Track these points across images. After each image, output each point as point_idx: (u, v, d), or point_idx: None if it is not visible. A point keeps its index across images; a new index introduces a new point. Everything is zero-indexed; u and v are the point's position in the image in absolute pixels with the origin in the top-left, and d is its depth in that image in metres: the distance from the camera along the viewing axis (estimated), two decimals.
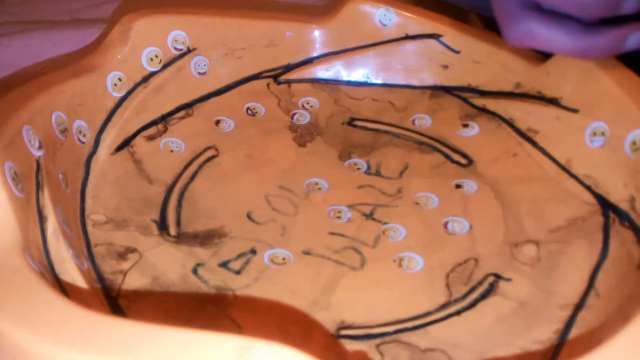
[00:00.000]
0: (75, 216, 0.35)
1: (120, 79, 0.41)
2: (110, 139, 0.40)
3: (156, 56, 0.43)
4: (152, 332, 0.21)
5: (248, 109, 0.45)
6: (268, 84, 0.47)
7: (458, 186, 0.39)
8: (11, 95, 0.34)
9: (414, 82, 0.47)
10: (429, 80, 0.47)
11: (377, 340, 0.30)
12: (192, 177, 0.39)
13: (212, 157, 0.41)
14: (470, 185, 0.39)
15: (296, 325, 0.31)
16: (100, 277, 0.32)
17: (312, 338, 0.30)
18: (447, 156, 0.42)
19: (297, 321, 0.31)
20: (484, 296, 0.32)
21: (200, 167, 0.40)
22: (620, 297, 0.30)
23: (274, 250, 0.35)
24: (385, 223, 0.37)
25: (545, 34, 0.35)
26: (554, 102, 0.40)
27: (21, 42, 0.53)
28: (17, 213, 0.27)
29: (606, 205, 0.36)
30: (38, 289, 0.23)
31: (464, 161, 0.41)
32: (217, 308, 0.31)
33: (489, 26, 0.48)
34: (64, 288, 0.29)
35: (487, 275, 0.33)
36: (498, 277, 0.33)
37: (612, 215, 0.35)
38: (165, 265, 0.33)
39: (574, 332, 0.30)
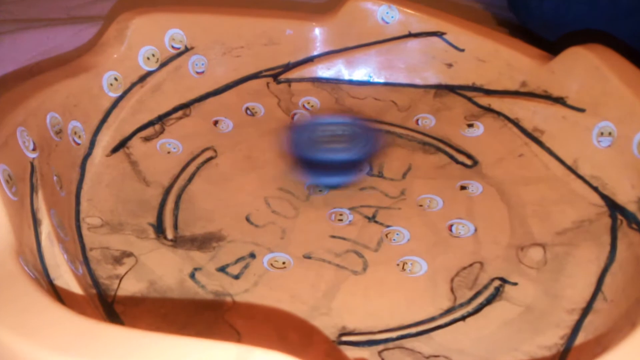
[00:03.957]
0: (70, 219, 0.34)
1: (116, 79, 0.40)
2: (106, 140, 0.39)
3: (153, 55, 0.42)
4: (147, 339, 0.21)
5: (247, 108, 0.44)
6: (268, 84, 0.46)
7: (463, 187, 0.39)
8: (5, 96, 0.33)
9: (417, 81, 0.46)
10: (432, 79, 0.46)
11: (380, 347, 0.29)
12: (190, 179, 0.39)
13: (210, 158, 0.40)
14: (475, 187, 0.39)
15: (296, 331, 0.30)
16: (95, 282, 0.31)
17: (313, 345, 0.29)
18: (451, 157, 0.41)
19: (297, 327, 0.30)
20: (489, 301, 0.32)
21: (198, 168, 0.40)
22: (628, 301, 0.29)
23: (274, 254, 0.34)
24: (388, 226, 0.36)
25: None
26: (560, 101, 0.40)
27: (18, 41, 0.53)
28: (11, 216, 0.26)
29: (613, 207, 0.35)
30: (32, 294, 0.23)
31: (468, 162, 0.41)
32: (215, 314, 0.30)
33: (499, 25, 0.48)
34: (58, 293, 0.28)
35: (493, 279, 0.33)
36: (504, 281, 0.33)
37: (619, 217, 0.35)
38: (161, 269, 0.33)
39: (581, 337, 0.29)
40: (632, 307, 0.28)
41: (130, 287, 0.31)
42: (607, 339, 0.28)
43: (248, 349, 0.20)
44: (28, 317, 0.21)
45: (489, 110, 0.43)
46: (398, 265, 0.34)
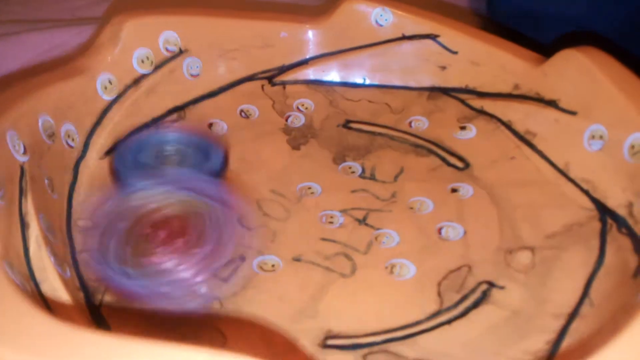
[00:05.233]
0: (61, 222, 0.34)
1: (110, 82, 0.40)
2: (100, 142, 0.40)
3: (147, 58, 0.42)
4: (116, 346, 0.21)
5: (241, 111, 0.45)
6: (262, 86, 0.46)
7: (454, 190, 0.39)
8: None
9: (411, 83, 0.46)
10: (426, 82, 0.46)
11: (364, 350, 0.29)
12: None
13: None
14: (466, 189, 0.39)
15: (281, 335, 0.30)
16: (83, 285, 0.31)
17: (297, 349, 0.29)
18: (443, 159, 0.41)
19: (283, 331, 0.30)
20: (476, 305, 0.32)
21: None
22: (613, 307, 0.29)
23: (264, 256, 0.34)
24: (378, 228, 0.36)
25: None
26: (552, 104, 0.39)
27: (23, 41, 0.53)
28: None
29: (604, 211, 0.35)
30: (15, 301, 0.23)
31: (460, 164, 0.40)
32: (202, 317, 0.31)
33: (486, 26, 0.47)
34: (44, 298, 0.28)
35: (480, 283, 0.33)
36: (491, 284, 0.33)
37: (609, 221, 0.35)
38: None
39: (566, 343, 0.29)
40: (618, 313, 0.28)
41: None
42: (591, 345, 0.28)
43: (217, 355, 0.21)
44: (10, 325, 0.22)
45: (481, 112, 0.43)
46: (386, 268, 0.34)
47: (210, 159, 0.37)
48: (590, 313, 0.30)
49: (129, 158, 0.37)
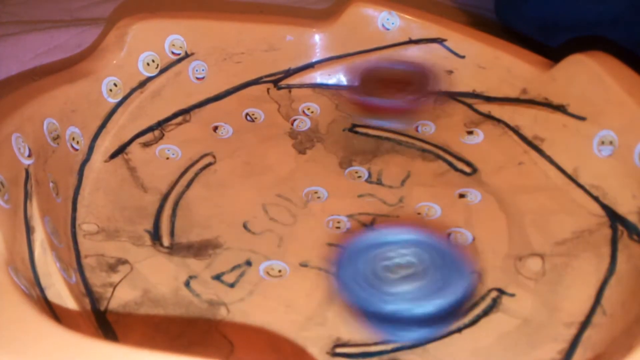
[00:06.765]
0: (66, 226, 0.34)
1: (115, 85, 0.40)
2: (105, 145, 0.39)
3: (153, 61, 0.42)
4: (123, 356, 0.20)
5: (247, 114, 0.44)
6: (268, 89, 0.46)
7: (461, 196, 0.38)
8: (1, 102, 0.33)
9: None
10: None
11: (374, 359, 0.29)
12: (188, 185, 0.38)
13: (209, 164, 0.40)
14: (474, 195, 0.38)
15: (289, 342, 0.29)
16: (88, 291, 0.31)
17: (305, 357, 0.29)
18: (450, 164, 0.41)
19: (291, 338, 0.30)
20: (486, 312, 0.31)
21: (196, 174, 0.39)
22: (627, 316, 0.29)
23: (270, 262, 0.34)
24: None
25: None
26: (560, 109, 0.39)
27: (22, 42, 0.53)
28: (2, 225, 0.26)
29: (614, 217, 0.35)
30: (20, 308, 0.22)
31: (468, 169, 0.40)
32: (209, 323, 0.30)
33: (490, 27, 0.47)
34: (49, 303, 0.28)
35: (490, 290, 0.32)
36: (501, 292, 0.32)
37: (620, 227, 0.34)
38: (156, 277, 0.32)
39: (579, 353, 0.29)
40: (632, 325, 0.27)
41: (124, 295, 0.31)
42: (606, 357, 0.27)
43: None
44: (14, 332, 0.21)
45: (489, 117, 0.43)
46: None
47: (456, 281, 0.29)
48: (603, 322, 0.30)
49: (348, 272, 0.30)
